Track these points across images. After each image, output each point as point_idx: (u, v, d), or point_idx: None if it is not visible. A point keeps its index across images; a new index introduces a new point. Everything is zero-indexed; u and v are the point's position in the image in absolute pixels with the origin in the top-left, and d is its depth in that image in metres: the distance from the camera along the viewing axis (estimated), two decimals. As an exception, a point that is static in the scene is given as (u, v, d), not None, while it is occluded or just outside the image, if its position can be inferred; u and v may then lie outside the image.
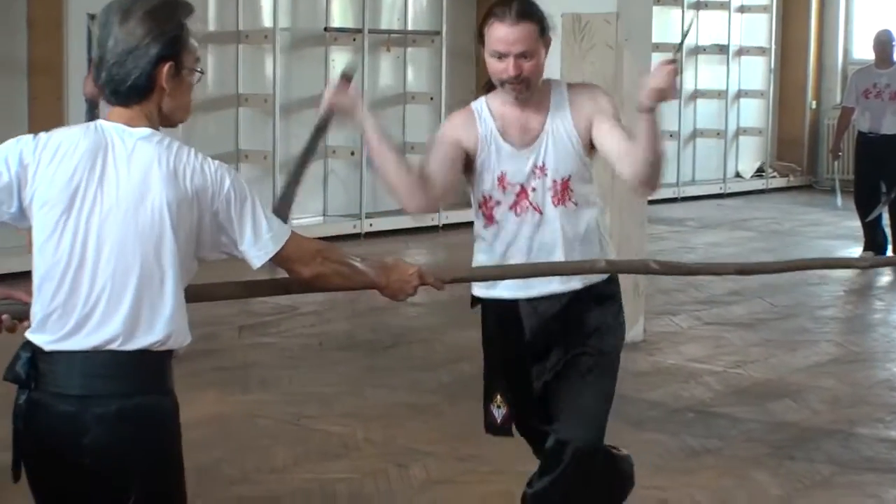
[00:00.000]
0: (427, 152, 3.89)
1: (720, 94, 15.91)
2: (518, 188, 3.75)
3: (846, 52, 16.93)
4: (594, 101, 3.76)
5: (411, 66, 13.01)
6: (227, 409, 5.93)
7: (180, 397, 2.94)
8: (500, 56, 3.59)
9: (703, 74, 15.89)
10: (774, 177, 16.47)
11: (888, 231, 10.73)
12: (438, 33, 12.79)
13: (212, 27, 11.11)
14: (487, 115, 3.77)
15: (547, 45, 3.68)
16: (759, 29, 16.54)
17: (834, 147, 11.77)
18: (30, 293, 2.76)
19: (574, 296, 3.80)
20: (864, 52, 14.88)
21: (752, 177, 16.37)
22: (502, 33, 3.60)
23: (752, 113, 16.55)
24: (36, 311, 2.66)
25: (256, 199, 2.76)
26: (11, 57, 9.98)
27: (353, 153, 9.51)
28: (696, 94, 15.69)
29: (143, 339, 2.64)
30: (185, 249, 2.67)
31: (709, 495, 5.05)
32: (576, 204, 3.77)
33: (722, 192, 15.69)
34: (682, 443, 5.74)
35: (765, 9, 16.47)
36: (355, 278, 2.97)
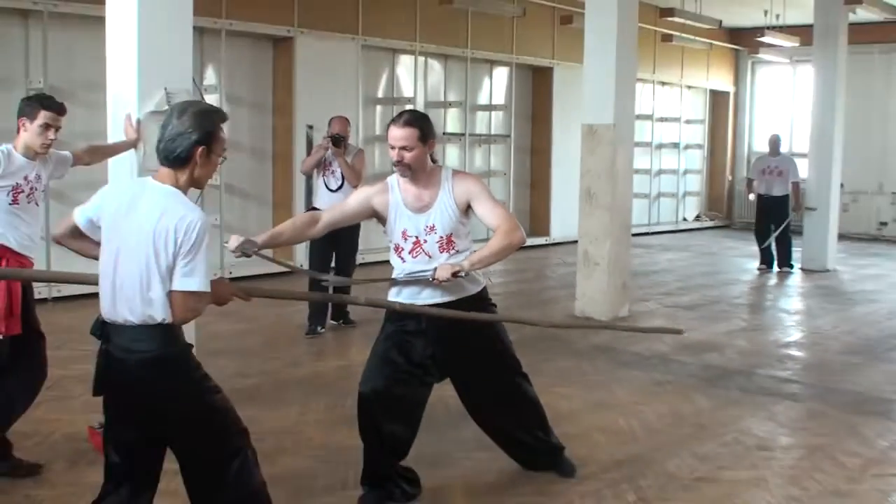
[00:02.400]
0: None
1: (674, 171, 17.81)
2: (415, 239, 3.97)
3: (750, 146, 18.80)
4: (467, 187, 3.96)
5: (493, 155, 14.39)
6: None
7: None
8: (392, 147, 3.89)
9: (663, 160, 17.63)
10: (706, 220, 18.20)
11: (774, 253, 12.27)
12: (508, 136, 14.41)
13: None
14: (397, 188, 4.01)
15: (427, 144, 3.93)
16: (697, 132, 18.48)
17: (746, 192, 13.07)
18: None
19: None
20: (762, 146, 16.03)
21: (693, 220, 18.07)
22: (393, 133, 3.91)
23: (693, 182, 18.42)
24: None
25: (205, 252, 2.94)
26: (262, 150, 11.39)
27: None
28: (660, 172, 17.57)
29: (150, 316, 2.96)
30: (162, 262, 2.96)
31: (667, 408, 5.54)
32: (457, 251, 4.01)
33: (675, 229, 17.27)
34: (651, 377, 6.23)
35: (701, 121, 18.49)
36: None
